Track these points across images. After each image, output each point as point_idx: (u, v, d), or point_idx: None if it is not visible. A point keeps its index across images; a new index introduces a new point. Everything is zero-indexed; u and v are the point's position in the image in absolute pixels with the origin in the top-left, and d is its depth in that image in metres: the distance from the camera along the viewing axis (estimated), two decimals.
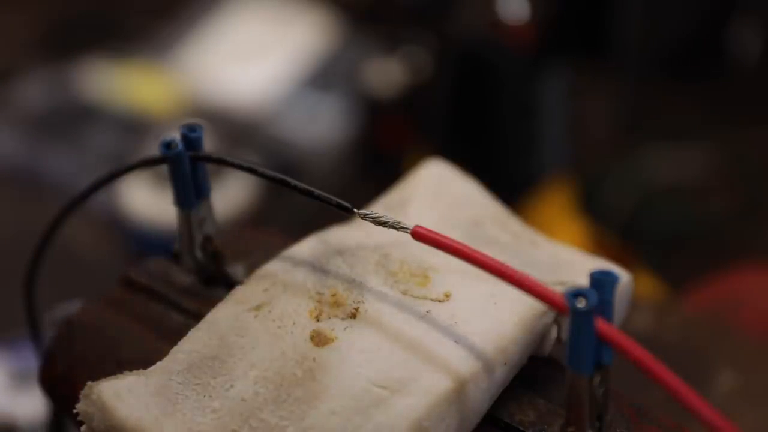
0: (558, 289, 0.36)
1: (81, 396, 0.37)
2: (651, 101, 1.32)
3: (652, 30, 1.29)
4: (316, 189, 0.41)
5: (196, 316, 0.42)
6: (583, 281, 0.36)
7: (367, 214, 0.41)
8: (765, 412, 0.70)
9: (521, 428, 0.39)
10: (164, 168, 0.43)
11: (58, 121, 1.17)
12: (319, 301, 0.41)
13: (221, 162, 0.43)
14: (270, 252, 0.44)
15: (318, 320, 0.40)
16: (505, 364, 0.39)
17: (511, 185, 1.11)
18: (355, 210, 0.41)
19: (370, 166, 1.17)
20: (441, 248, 0.38)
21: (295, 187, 0.41)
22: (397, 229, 0.40)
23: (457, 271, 0.41)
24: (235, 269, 0.46)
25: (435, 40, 1.16)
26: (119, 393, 0.37)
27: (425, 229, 0.39)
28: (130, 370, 0.39)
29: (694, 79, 1.34)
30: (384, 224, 0.40)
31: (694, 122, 1.28)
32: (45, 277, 0.51)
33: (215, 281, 0.45)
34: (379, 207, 0.46)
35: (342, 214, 0.42)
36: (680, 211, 1.16)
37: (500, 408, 0.40)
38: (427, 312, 0.40)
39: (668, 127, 1.30)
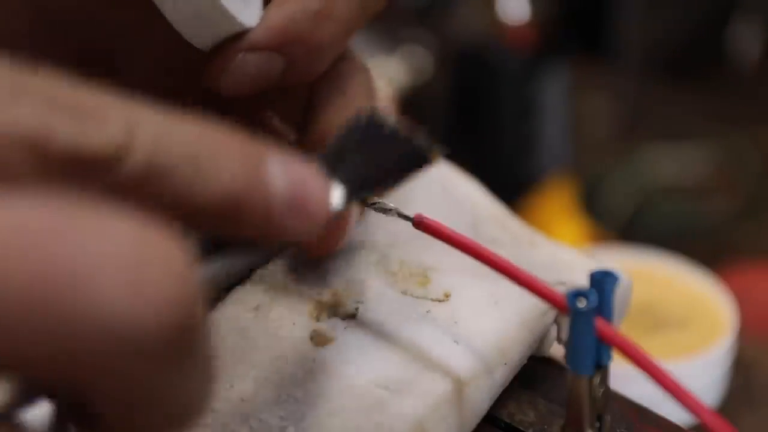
0: (558, 289, 0.36)
1: None
2: (651, 101, 1.32)
3: (652, 30, 1.29)
4: None
5: None
6: (583, 281, 0.36)
7: (374, 203, 0.40)
8: (765, 412, 0.70)
9: (521, 428, 0.39)
10: None
11: None
12: (318, 302, 0.41)
13: None
14: (270, 252, 0.44)
15: (318, 320, 0.40)
16: (506, 364, 0.39)
17: (511, 185, 1.11)
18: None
19: None
20: (442, 238, 0.38)
21: None
22: (401, 216, 0.39)
23: (457, 271, 0.41)
24: None
25: (435, 40, 1.16)
26: None
27: (427, 218, 0.38)
28: None
29: (694, 79, 1.34)
30: (389, 211, 0.39)
31: (694, 122, 1.28)
32: None
33: None
34: None
35: None
36: (680, 211, 1.16)
37: (500, 408, 0.39)
38: (427, 312, 0.40)
39: (668, 127, 1.30)
